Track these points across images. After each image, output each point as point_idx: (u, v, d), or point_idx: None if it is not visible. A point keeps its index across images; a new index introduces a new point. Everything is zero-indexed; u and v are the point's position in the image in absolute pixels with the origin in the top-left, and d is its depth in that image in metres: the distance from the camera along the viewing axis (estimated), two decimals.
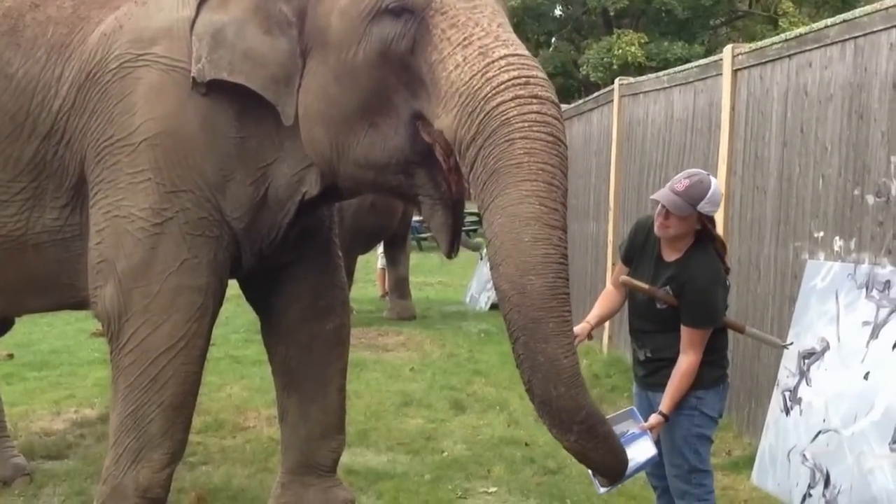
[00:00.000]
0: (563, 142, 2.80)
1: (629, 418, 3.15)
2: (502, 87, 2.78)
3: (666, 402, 3.13)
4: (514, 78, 2.79)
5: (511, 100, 2.76)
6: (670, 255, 3.20)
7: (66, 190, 3.44)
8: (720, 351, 3.28)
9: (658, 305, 3.19)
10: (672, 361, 3.16)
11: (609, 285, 3.47)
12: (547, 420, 2.77)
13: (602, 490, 3.07)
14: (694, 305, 3.12)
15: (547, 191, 2.72)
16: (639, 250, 3.30)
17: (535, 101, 2.78)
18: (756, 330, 3.23)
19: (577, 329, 3.27)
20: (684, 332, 3.13)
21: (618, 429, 3.10)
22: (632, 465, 2.94)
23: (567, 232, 2.78)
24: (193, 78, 3.25)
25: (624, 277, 3.30)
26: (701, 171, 3.24)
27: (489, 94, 2.78)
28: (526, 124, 2.74)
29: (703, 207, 3.10)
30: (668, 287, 3.16)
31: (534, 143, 2.73)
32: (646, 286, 3.21)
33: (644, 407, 3.32)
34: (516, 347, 2.75)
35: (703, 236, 3.20)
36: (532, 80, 2.81)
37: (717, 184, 3.18)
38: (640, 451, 3.04)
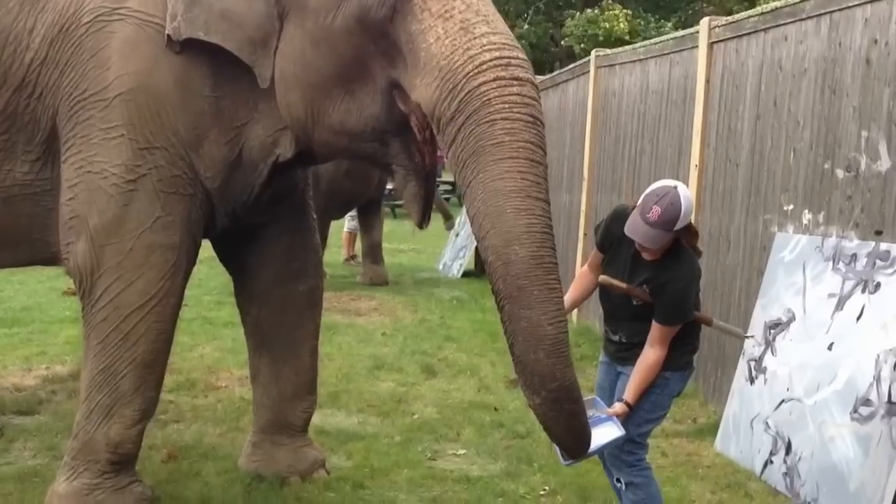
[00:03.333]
0: (541, 122, 2.84)
1: (591, 407, 3.19)
2: (484, 66, 2.80)
3: (630, 392, 3.18)
4: (496, 59, 2.81)
5: (493, 80, 2.78)
6: (649, 256, 3.18)
7: (38, 144, 3.40)
8: (693, 335, 3.32)
9: (634, 301, 3.22)
10: (644, 344, 3.20)
11: (584, 267, 3.46)
12: (521, 378, 2.81)
13: (565, 462, 3.11)
14: (669, 306, 3.14)
15: (528, 166, 2.75)
16: (616, 243, 3.27)
17: (515, 83, 2.80)
18: (722, 322, 3.28)
19: None
20: (655, 327, 3.16)
21: None
22: (595, 444, 3.00)
23: (549, 203, 2.81)
24: (168, 36, 3.22)
25: (602, 277, 3.30)
26: (668, 184, 3.10)
27: (471, 73, 2.80)
28: (507, 105, 2.77)
29: (678, 227, 3.05)
30: (644, 286, 3.18)
31: (514, 124, 2.76)
32: (623, 285, 3.22)
33: (610, 374, 3.37)
34: (502, 315, 2.77)
35: (680, 234, 3.15)
36: (513, 61, 2.84)
37: (687, 194, 3.06)
38: (604, 433, 3.08)
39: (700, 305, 3.34)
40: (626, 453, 3.22)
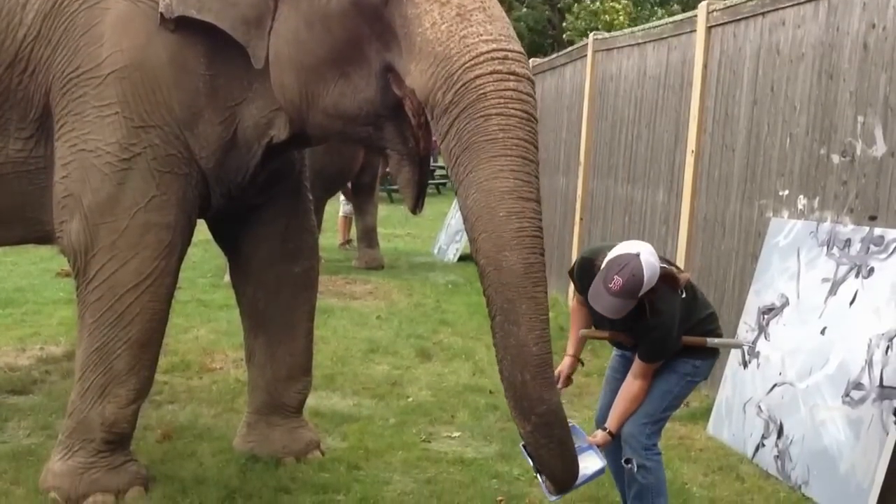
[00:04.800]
0: (535, 118, 2.85)
1: (571, 434, 3.20)
2: (481, 58, 2.79)
3: (613, 421, 3.20)
4: (493, 51, 2.80)
5: (489, 74, 2.78)
6: None
7: (31, 121, 3.39)
8: (714, 322, 3.34)
9: (626, 345, 3.27)
10: None
11: (574, 303, 3.48)
12: (510, 402, 2.84)
13: (552, 498, 3.06)
14: (651, 348, 3.17)
15: (521, 165, 2.75)
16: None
17: (512, 77, 2.80)
18: (716, 339, 3.30)
19: (563, 366, 3.35)
20: (638, 363, 3.19)
21: None
22: (579, 482, 3.01)
23: (541, 203, 2.81)
24: (161, 13, 3.20)
25: (584, 332, 3.37)
26: (630, 251, 2.99)
27: (467, 65, 2.79)
28: (502, 101, 2.77)
29: (641, 293, 2.98)
30: (625, 333, 3.21)
31: (509, 120, 2.76)
32: (606, 334, 3.28)
33: (624, 362, 3.39)
34: (494, 325, 2.80)
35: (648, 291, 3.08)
36: (510, 55, 2.83)
37: (650, 260, 2.97)
38: (587, 463, 3.08)
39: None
40: (646, 437, 3.23)
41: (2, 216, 3.59)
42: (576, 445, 3.05)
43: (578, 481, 3.02)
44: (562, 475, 2.94)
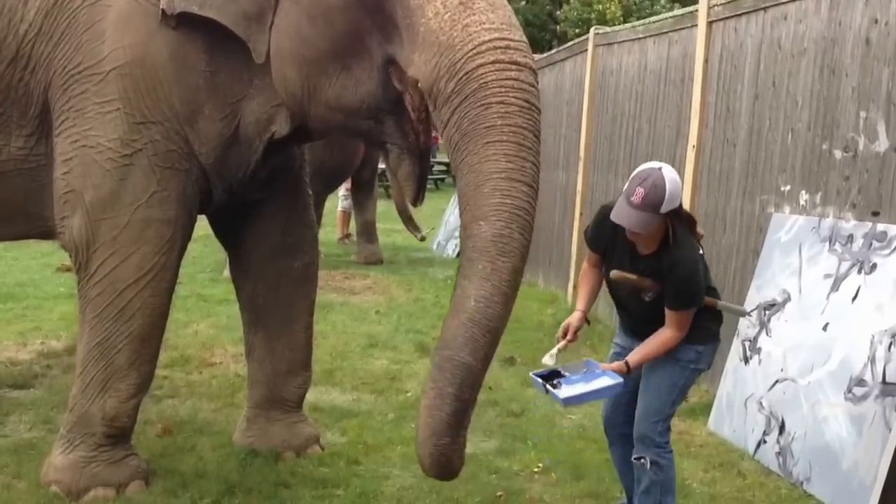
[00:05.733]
0: (537, 107, 2.83)
1: (583, 367, 3.19)
2: (483, 47, 2.78)
3: (636, 356, 3.16)
4: (496, 39, 2.80)
5: (491, 63, 2.77)
6: (645, 249, 3.15)
7: (31, 118, 3.38)
8: (718, 297, 3.32)
9: (645, 298, 3.19)
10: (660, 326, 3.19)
11: (585, 265, 3.44)
12: None
13: (561, 402, 3.07)
14: (679, 292, 3.10)
15: (515, 150, 2.75)
16: (609, 241, 3.23)
17: (513, 67, 2.79)
18: (724, 302, 3.28)
19: (571, 319, 3.29)
20: (670, 313, 3.13)
21: (573, 371, 3.17)
22: (594, 386, 3.05)
23: (536, 189, 2.79)
24: (163, 10, 3.19)
25: (615, 272, 3.24)
26: (652, 166, 3.04)
27: (470, 54, 2.78)
28: (503, 90, 2.76)
29: (665, 209, 2.98)
30: (650, 279, 3.15)
31: (508, 108, 2.76)
32: (635, 277, 3.18)
33: (623, 355, 3.37)
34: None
35: (671, 219, 3.10)
36: (513, 44, 2.82)
37: (672, 176, 3.00)
38: (602, 381, 3.09)
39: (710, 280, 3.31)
40: (658, 434, 3.23)
41: (3, 212, 3.59)
42: (586, 371, 3.11)
43: (592, 390, 3.05)
44: (423, 439, 2.76)
